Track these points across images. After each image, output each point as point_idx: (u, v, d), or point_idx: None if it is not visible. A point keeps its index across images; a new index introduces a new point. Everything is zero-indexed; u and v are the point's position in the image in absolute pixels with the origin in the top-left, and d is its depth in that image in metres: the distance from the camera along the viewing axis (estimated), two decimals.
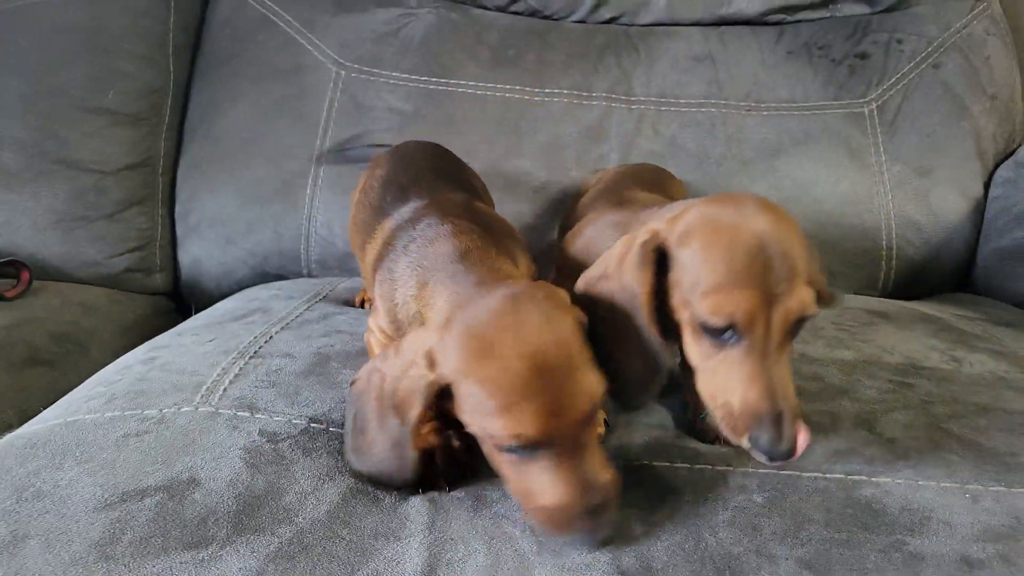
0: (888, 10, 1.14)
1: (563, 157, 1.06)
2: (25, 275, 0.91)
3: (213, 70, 1.10)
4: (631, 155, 1.06)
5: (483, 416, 0.44)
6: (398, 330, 0.57)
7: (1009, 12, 1.17)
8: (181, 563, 0.41)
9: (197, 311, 0.88)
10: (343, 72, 1.08)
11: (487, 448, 0.47)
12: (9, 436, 0.55)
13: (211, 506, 0.45)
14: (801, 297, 0.47)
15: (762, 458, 0.46)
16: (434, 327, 0.48)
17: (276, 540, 0.44)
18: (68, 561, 0.41)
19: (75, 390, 0.62)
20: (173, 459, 0.49)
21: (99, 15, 1.02)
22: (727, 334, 0.47)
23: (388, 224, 0.63)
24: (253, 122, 1.06)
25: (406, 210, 0.63)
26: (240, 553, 0.43)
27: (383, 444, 0.48)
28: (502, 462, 0.46)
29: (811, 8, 1.14)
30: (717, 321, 0.47)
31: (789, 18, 1.15)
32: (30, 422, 0.58)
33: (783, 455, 0.45)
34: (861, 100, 1.09)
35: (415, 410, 0.46)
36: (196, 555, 0.42)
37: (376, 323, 0.61)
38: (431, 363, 0.46)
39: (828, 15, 1.15)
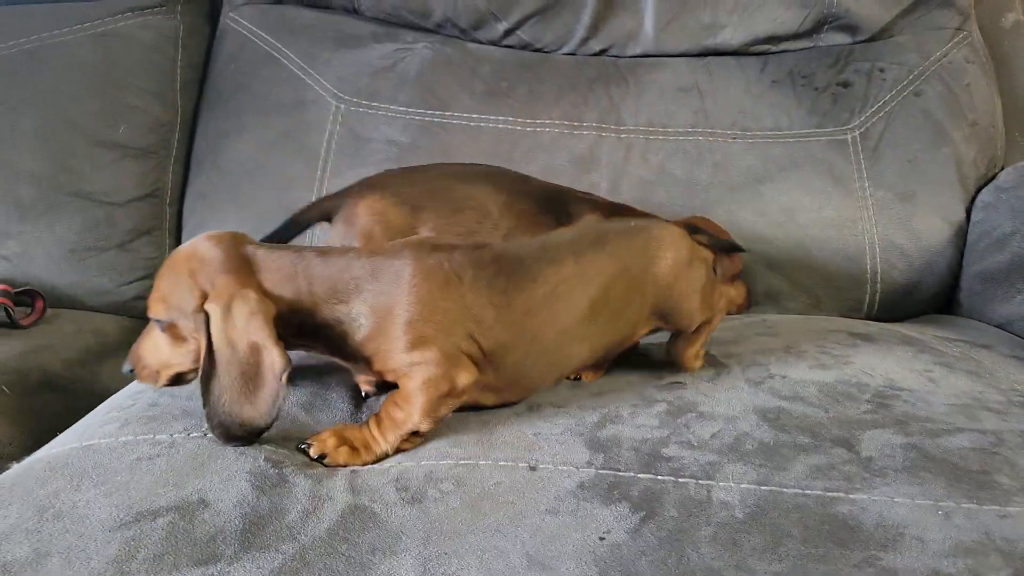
0: (870, 40, 1.18)
1: None
2: (40, 304, 0.95)
3: (219, 104, 1.14)
4: (621, 183, 1.10)
5: None
6: None
7: (989, 40, 1.20)
8: None
9: None
10: (342, 105, 1.12)
11: None
12: (29, 459, 0.58)
13: (219, 525, 0.48)
14: None
15: None
16: None
17: (280, 556, 0.47)
18: None
19: (90, 414, 0.66)
20: (184, 481, 0.52)
21: (110, 53, 1.07)
22: None
23: None
24: (257, 154, 1.10)
25: None
26: (247, 569, 0.45)
27: None
28: None
29: (794, 38, 1.19)
30: None
31: (773, 48, 1.19)
32: (48, 445, 0.61)
33: None
34: (844, 128, 1.13)
35: None
36: (206, 571, 0.45)
37: None
38: None
39: (811, 45, 1.19)
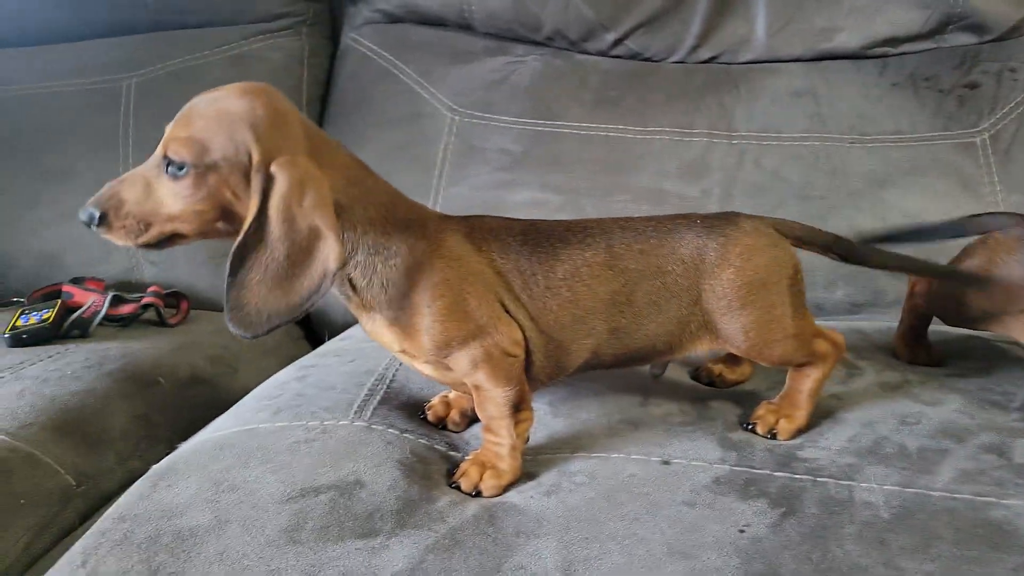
0: (999, 39, 1.13)
1: (665, 192, 1.09)
2: (184, 305, 1.02)
3: (341, 118, 1.21)
4: (734, 189, 1.09)
5: None
6: None
7: None
8: (356, 549, 0.48)
9: (330, 338, 0.96)
10: (457, 117, 1.16)
11: None
12: (195, 440, 0.63)
13: (376, 504, 0.52)
14: None
15: None
16: None
17: (433, 535, 0.49)
18: (264, 543, 0.48)
19: (241, 402, 0.70)
20: (339, 464, 0.56)
21: (244, 73, 1.15)
22: None
23: None
24: (376, 164, 1.13)
25: None
26: (404, 544, 0.48)
27: None
28: None
29: (916, 40, 1.14)
30: None
31: (892, 51, 1.16)
32: (207, 429, 0.66)
33: None
34: (972, 130, 1.08)
35: None
36: (367, 543, 0.48)
37: None
38: None
39: (934, 46, 1.15)
